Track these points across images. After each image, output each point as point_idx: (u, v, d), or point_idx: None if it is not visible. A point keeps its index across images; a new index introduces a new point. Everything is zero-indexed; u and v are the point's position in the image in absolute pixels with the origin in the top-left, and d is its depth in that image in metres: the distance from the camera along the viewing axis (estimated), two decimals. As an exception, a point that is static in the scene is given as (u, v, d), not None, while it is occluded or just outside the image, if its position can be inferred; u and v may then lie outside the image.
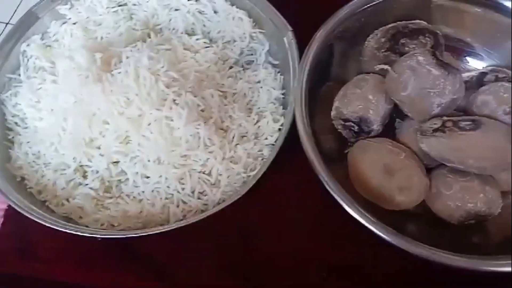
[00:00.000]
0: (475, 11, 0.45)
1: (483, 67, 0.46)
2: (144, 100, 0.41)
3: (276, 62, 0.50)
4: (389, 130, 0.45)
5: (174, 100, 0.41)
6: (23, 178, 0.44)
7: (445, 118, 0.38)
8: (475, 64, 0.47)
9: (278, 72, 0.49)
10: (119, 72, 0.42)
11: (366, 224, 0.34)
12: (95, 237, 0.39)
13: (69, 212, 0.42)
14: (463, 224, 0.39)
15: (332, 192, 0.35)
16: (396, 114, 0.45)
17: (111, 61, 0.44)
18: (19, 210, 0.39)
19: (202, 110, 0.44)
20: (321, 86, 0.46)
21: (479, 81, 0.44)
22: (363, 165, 0.40)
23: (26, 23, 0.50)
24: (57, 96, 0.43)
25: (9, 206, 0.43)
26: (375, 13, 0.46)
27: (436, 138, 0.37)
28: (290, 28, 0.47)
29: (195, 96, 0.43)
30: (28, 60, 0.49)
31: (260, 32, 0.50)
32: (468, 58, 0.47)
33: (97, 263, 0.42)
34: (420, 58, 0.38)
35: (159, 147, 0.41)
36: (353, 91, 0.43)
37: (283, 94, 0.48)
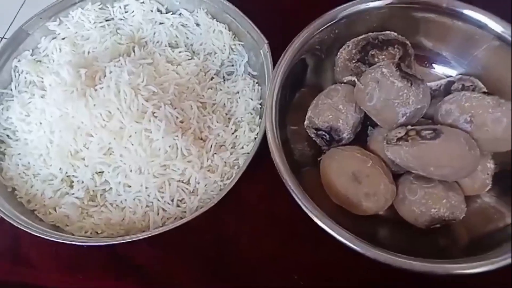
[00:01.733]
0: (445, 22, 0.47)
1: (451, 76, 0.48)
2: (124, 113, 0.43)
3: (255, 73, 0.52)
4: (362, 138, 0.46)
5: (153, 113, 0.44)
6: (13, 189, 0.46)
7: (409, 127, 0.40)
8: (446, 73, 0.49)
9: (257, 82, 0.51)
10: (102, 87, 0.44)
11: (328, 230, 0.36)
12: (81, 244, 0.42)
13: (56, 220, 0.44)
14: (429, 228, 0.41)
15: (296, 199, 0.37)
16: (369, 122, 0.47)
17: (96, 76, 0.47)
18: (8, 220, 0.41)
19: (181, 121, 0.46)
20: (298, 95, 0.48)
21: (447, 89, 0.46)
22: (333, 173, 0.42)
23: (17, 40, 0.52)
24: (45, 110, 0.46)
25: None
26: (349, 24, 0.48)
27: (399, 147, 0.39)
28: (266, 41, 0.49)
29: (174, 108, 0.45)
30: (19, 75, 0.52)
31: (240, 44, 0.53)
32: (439, 67, 0.49)
33: (84, 268, 0.44)
34: (384, 70, 0.40)
35: (140, 157, 0.43)
36: (324, 101, 0.45)
37: (260, 104, 0.50)
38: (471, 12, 0.44)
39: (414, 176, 0.41)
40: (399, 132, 0.40)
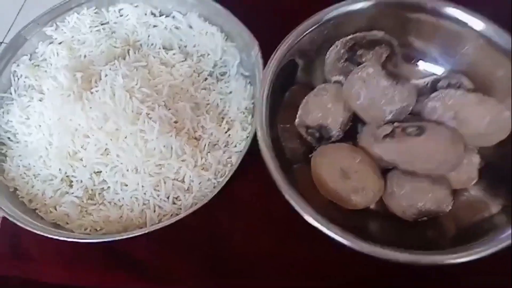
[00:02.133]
0: (431, 21, 0.47)
1: (438, 74, 0.49)
2: (120, 115, 0.44)
3: (247, 73, 0.53)
4: (353, 135, 0.48)
5: (148, 114, 0.45)
6: (15, 189, 0.48)
7: (396, 124, 0.41)
8: (433, 70, 0.50)
9: (249, 82, 0.53)
10: (97, 91, 0.46)
11: (313, 222, 0.37)
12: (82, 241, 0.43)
13: (57, 218, 0.46)
14: (417, 221, 0.43)
15: (286, 196, 0.38)
16: (359, 119, 0.48)
17: (91, 79, 0.48)
18: (11, 219, 0.43)
19: (176, 122, 0.47)
20: (289, 94, 0.49)
21: (433, 86, 0.47)
22: (323, 169, 0.43)
23: (15, 45, 0.54)
24: (43, 113, 0.47)
25: (4, 214, 0.47)
26: (338, 25, 0.49)
27: (386, 143, 0.41)
28: (257, 42, 0.50)
29: (168, 109, 0.47)
30: (18, 79, 0.53)
31: (232, 45, 0.54)
32: (426, 65, 0.50)
33: (84, 264, 0.46)
34: (370, 69, 0.41)
35: (136, 157, 0.45)
36: (314, 100, 0.46)
37: (252, 103, 0.51)
38: (453, 11, 0.45)
39: (401, 171, 0.42)
40: (386, 129, 0.41)
